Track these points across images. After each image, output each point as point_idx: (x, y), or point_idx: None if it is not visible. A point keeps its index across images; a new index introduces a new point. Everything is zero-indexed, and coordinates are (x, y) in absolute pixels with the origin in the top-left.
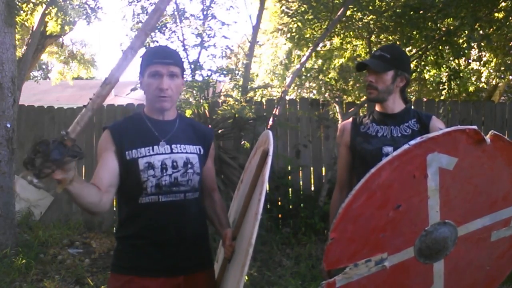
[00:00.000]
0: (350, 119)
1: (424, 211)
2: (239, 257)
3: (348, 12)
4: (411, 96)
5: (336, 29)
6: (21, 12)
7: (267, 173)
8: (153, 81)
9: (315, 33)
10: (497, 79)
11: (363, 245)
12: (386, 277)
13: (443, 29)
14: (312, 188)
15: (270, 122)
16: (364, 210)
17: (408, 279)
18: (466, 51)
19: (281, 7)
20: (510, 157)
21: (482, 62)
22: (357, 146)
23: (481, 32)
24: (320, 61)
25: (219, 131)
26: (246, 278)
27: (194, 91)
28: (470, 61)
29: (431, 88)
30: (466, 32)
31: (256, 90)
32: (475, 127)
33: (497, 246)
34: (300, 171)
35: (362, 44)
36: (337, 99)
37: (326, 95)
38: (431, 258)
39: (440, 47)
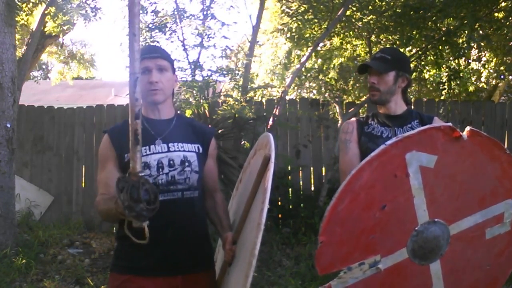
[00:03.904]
0: (354, 119)
1: (411, 210)
2: (241, 265)
3: (348, 12)
4: (411, 96)
5: (336, 29)
6: (21, 12)
7: (270, 180)
8: (143, 77)
9: (315, 33)
10: (497, 79)
11: (354, 248)
12: (382, 280)
13: (443, 29)
14: (312, 188)
15: (270, 122)
16: (350, 212)
17: (406, 281)
18: (466, 51)
19: (281, 7)
20: (491, 152)
21: (481, 63)
22: (363, 146)
23: (481, 32)
24: (320, 61)
25: (219, 131)
26: None
27: (194, 91)
28: (470, 61)
29: (431, 88)
30: (466, 32)
31: (256, 90)
32: (450, 124)
33: (493, 244)
34: (300, 171)
35: (362, 44)
36: (337, 99)
37: (326, 95)
38: (426, 258)
39: (440, 47)
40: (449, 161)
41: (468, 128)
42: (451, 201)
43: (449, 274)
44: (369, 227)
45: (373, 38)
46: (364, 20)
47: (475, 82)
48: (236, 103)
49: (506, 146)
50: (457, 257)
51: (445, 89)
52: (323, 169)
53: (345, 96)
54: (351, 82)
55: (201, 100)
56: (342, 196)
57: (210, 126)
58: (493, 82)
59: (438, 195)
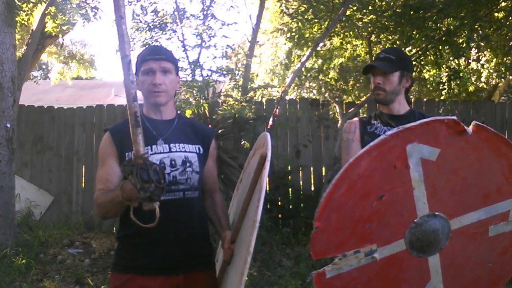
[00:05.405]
0: (356, 118)
1: (410, 202)
2: (238, 263)
3: (348, 12)
4: (411, 96)
5: (336, 29)
6: (21, 12)
7: (265, 179)
8: (146, 78)
9: (315, 33)
10: (497, 79)
11: (350, 236)
12: (378, 269)
13: (443, 29)
14: (312, 188)
15: (270, 122)
16: (346, 200)
17: (402, 273)
18: (466, 51)
19: (280, 6)
20: (497, 148)
21: (480, 63)
22: (365, 145)
23: (480, 32)
24: (320, 61)
25: (219, 131)
26: (246, 278)
27: (194, 91)
28: (470, 61)
29: (431, 88)
30: (466, 32)
31: (256, 90)
32: (454, 117)
33: (497, 241)
34: (300, 171)
35: (362, 44)
36: (337, 99)
37: (326, 95)
38: (424, 251)
39: (440, 47)
40: (452, 155)
41: (474, 123)
42: (453, 195)
43: (448, 268)
44: (366, 216)
45: (373, 38)
46: (364, 20)
47: (475, 82)
48: (236, 103)
49: None
50: (458, 252)
51: (445, 89)
52: (323, 169)
53: (345, 96)
54: (351, 82)
55: (201, 100)
56: (339, 183)
57: (210, 126)
58: (493, 82)
59: (440, 188)
